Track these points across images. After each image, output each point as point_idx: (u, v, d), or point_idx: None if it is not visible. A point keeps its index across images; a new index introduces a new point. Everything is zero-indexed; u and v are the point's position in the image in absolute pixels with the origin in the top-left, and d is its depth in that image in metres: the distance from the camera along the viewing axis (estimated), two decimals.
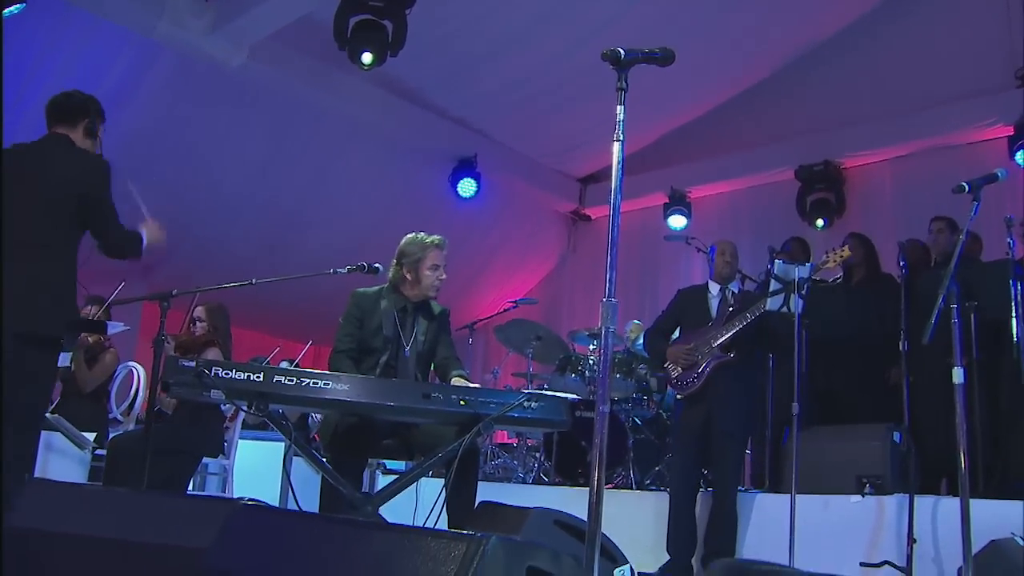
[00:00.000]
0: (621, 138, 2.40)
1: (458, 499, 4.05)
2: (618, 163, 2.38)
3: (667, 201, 10.42)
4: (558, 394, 3.83)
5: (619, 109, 2.41)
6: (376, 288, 4.57)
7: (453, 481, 3.85)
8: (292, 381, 3.51)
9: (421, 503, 3.97)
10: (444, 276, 4.50)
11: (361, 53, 7.41)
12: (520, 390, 4.88)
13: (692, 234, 7.59)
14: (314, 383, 3.53)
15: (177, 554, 1.85)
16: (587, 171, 11.13)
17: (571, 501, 5.71)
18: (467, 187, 9.93)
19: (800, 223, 9.39)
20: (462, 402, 3.67)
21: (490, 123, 9.95)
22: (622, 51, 2.45)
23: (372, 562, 1.50)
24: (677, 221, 10.31)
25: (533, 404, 3.75)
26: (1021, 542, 4.22)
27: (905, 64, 8.99)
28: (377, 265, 4.62)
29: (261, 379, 3.47)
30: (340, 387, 3.57)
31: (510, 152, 10.37)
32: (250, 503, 1.93)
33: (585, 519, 3.63)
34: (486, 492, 4.52)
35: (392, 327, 4.44)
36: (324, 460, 4.05)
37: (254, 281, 4.90)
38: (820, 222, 9.33)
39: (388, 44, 7.43)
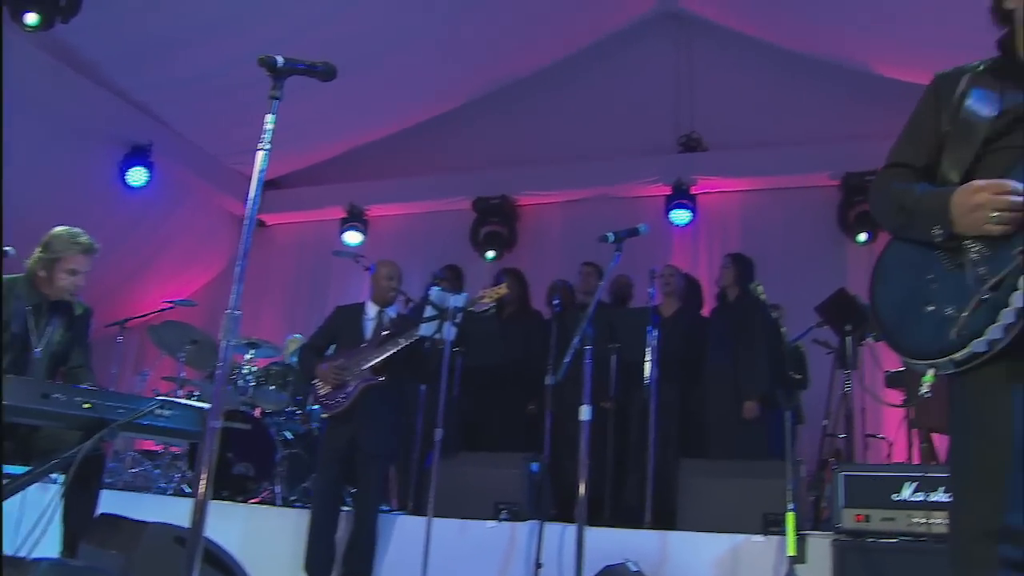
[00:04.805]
0: (268, 147, 2.32)
1: (75, 509, 3.77)
2: (259, 172, 2.30)
3: (344, 216, 10.38)
4: (194, 403, 3.65)
5: (269, 118, 2.33)
6: (10, 277, 4.15)
7: (71, 490, 3.57)
8: None
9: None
10: (82, 283, 4.18)
11: (24, 12, 6.76)
12: (156, 396, 4.62)
13: (367, 252, 7.59)
14: None
15: None
16: (268, 176, 10.67)
17: (213, 517, 5.47)
18: (138, 176, 9.28)
19: (472, 252, 9.71)
20: (86, 405, 3.41)
21: (172, 112, 9.39)
22: (279, 59, 2.37)
23: None
24: (352, 237, 10.25)
25: (166, 412, 3.55)
26: (632, 567, 4.56)
27: (584, 115, 9.63)
28: (8, 249, 4.19)
29: None
30: None
31: (189, 145, 9.85)
32: None
33: (214, 537, 3.50)
34: (121, 503, 4.24)
35: (21, 325, 4.07)
36: None
37: None
38: (490, 253, 9.68)
39: (59, 9, 6.85)
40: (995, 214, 1.95)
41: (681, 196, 9.16)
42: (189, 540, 2.14)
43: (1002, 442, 1.91)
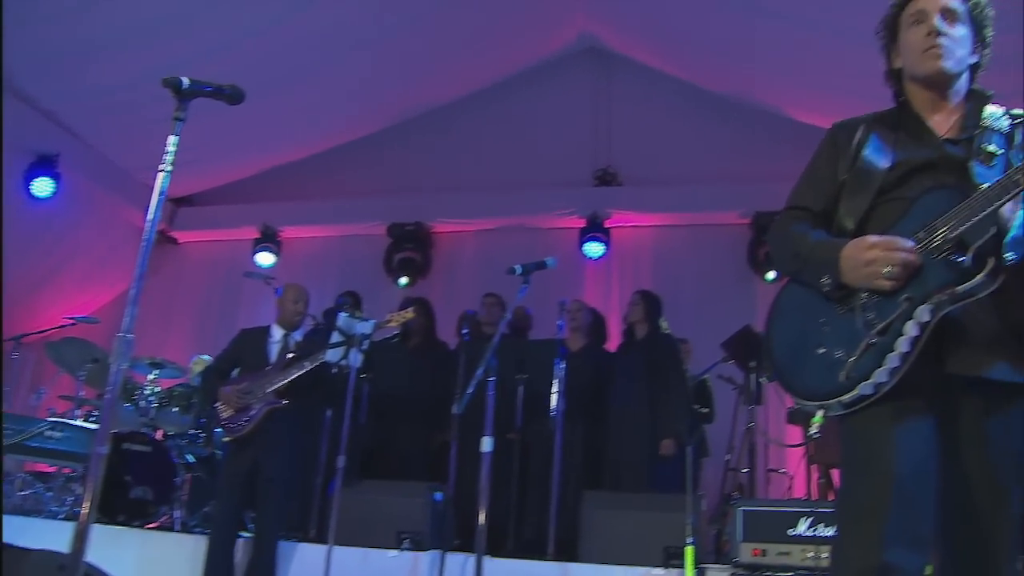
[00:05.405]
0: (169, 169, 2.26)
1: None
2: (160, 194, 2.24)
3: (258, 236, 10.23)
4: (87, 425, 3.55)
5: (171, 139, 2.27)
6: None
7: None
8: None
9: None
10: None
11: None
12: (51, 415, 4.48)
13: (280, 274, 7.50)
14: None
15: None
16: (182, 192, 10.61)
17: (106, 543, 5.30)
18: (43, 186, 9.00)
19: (385, 278, 9.68)
20: None
21: (83, 123, 9.12)
22: (185, 80, 2.32)
23: None
24: (265, 258, 10.10)
25: (57, 433, 3.45)
26: None
27: (502, 146, 9.71)
28: None
29: None
30: None
31: (100, 158, 9.57)
32: None
33: (105, 564, 3.39)
34: (8, 528, 4.08)
35: None
36: None
37: None
38: (404, 279, 9.64)
39: None
40: (887, 270, 2.01)
41: (595, 229, 9.28)
42: (68, 568, 2.07)
43: (885, 480, 1.96)
